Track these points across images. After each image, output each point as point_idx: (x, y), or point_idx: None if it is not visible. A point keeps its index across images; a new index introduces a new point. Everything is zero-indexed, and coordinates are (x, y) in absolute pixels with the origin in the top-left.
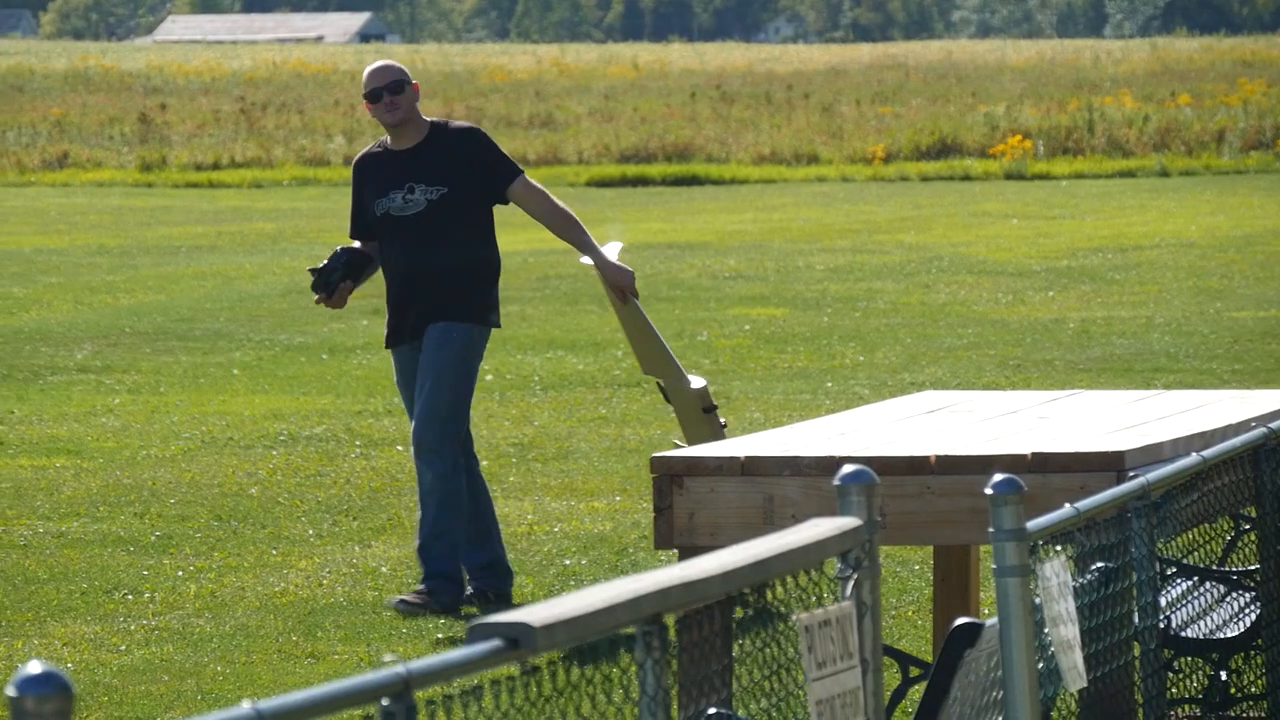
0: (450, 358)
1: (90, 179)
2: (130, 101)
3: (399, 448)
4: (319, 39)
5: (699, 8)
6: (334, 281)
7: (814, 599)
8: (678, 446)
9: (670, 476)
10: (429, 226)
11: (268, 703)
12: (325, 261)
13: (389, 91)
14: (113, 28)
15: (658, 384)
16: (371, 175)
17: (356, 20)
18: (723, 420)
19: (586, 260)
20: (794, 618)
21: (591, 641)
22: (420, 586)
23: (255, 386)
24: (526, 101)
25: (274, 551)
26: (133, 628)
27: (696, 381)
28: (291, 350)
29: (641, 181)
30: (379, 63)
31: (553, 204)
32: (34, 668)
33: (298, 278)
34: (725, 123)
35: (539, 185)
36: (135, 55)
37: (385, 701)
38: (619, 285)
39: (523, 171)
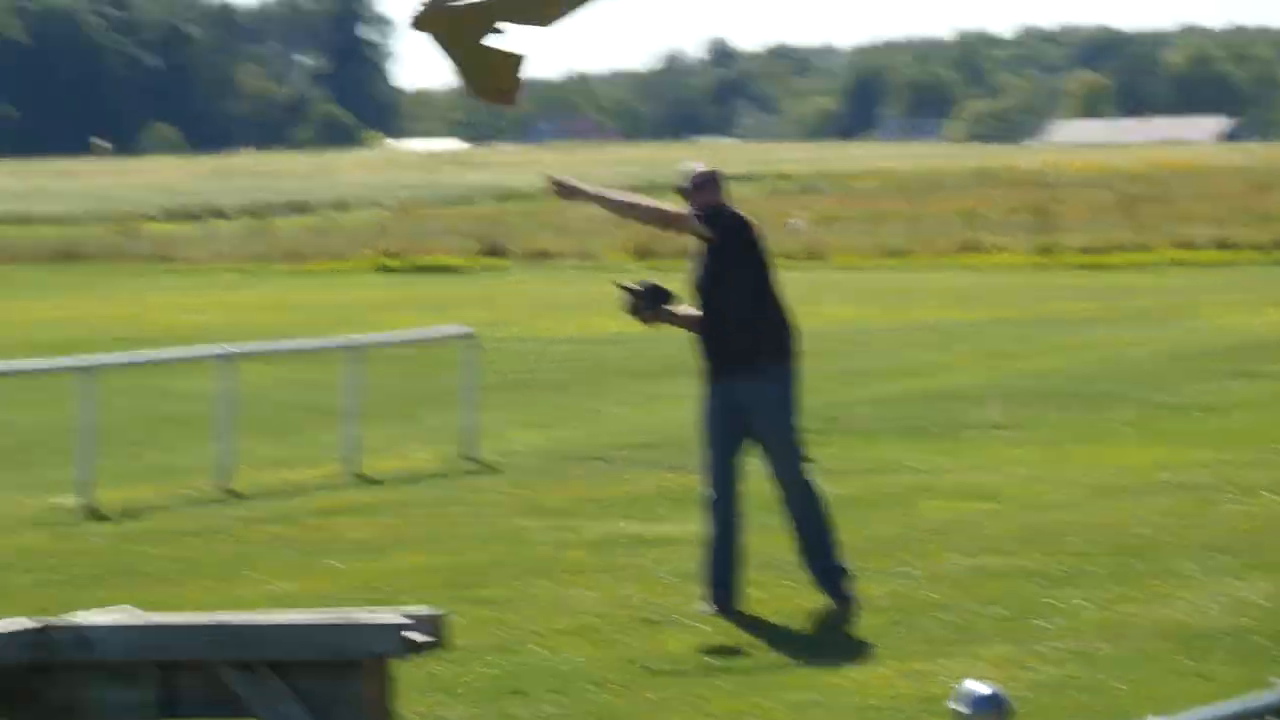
0: None
1: (992, 262)
2: (1027, 195)
3: (1263, 493)
4: (1188, 140)
5: None
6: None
7: None
8: None
9: None
10: None
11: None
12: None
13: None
14: (1011, 131)
15: None
16: None
17: (1221, 123)
18: None
19: None
20: None
21: None
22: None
23: (1142, 440)
24: None
25: (1162, 584)
26: (1042, 650)
27: None
28: (1172, 408)
29: None
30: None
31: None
32: (982, 689)
33: (1176, 345)
34: None
35: None
36: (1031, 155)
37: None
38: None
39: None
